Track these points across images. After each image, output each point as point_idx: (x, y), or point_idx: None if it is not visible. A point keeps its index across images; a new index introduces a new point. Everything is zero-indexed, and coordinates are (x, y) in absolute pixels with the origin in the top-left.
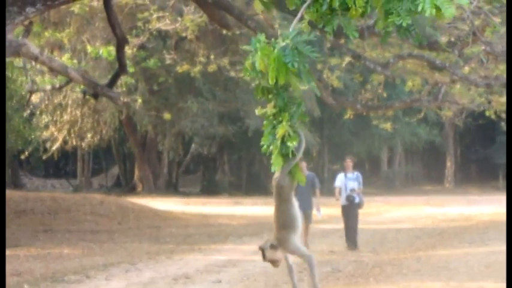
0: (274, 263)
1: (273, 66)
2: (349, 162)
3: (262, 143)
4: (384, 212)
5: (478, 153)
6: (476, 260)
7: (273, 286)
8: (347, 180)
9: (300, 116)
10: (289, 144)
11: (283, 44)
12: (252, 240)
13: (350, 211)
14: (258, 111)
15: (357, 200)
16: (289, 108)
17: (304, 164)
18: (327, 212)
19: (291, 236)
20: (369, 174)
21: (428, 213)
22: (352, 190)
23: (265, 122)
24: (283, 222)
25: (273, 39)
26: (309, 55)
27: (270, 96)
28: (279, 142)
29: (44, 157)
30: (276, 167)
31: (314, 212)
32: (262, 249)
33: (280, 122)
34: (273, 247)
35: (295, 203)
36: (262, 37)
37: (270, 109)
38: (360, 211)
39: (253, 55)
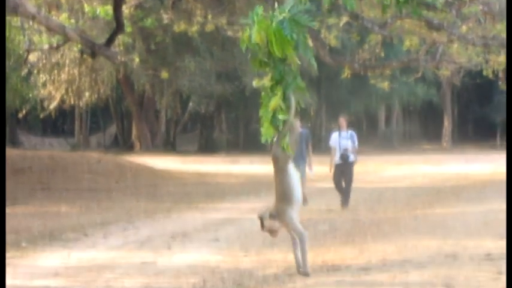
0: (273, 232)
1: (276, 40)
2: (342, 121)
3: (260, 114)
4: (381, 171)
5: (476, 112)
6: (473, 218)
7: (270, 244)
8: (341, 139)
9: (296, 88)
10: (280, 117)
11: (281, 17)
12: (250, 198)
13: (345, 169)
14: (255, 83)
15: (351, 159)
16: (286, 81)
17: (297, 123)
18: (324, 170)
19: (288, 208)
20: (367, 133)
21: (426, 172)
22: (345, 149)
23: (262, 94)
24: (281, 193)
25: (270, 13)
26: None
27: (267, 69)
28: (270, 114)
29: (42, 116)
30: (266, 137)
31: (306, 169)
32: (261, 218)
33: (276, 94)
34: (272, 216)
35: (293, 174)
36: (260, 10)
37: (267, 81)
38: (357, 170)
39: (250, 28)
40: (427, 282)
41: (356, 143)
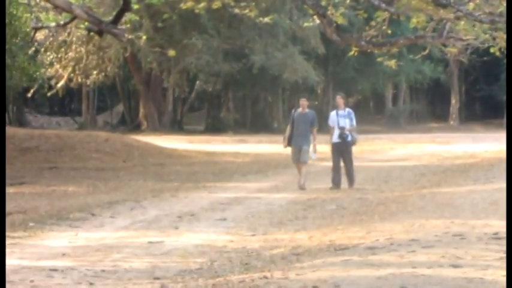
0: None
1: None
2: (339, 99)
3: None
4: (388, 150)
5: (483, 90)
6: (480, 197)
7: (277, 223)
8: (339, 118)
9: None
10: None
11: None
12: (257, 177)
13: (343, 148)
14: None
15: (349, 138)
16: None
17: (305, 103)
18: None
19: None
20: (374, 111)
21: (433, 151)
22: (343, 128)
23: None
24: None
25: None
26: None
27: None
28: None
29: (49, 94)
30: None
31: (310, 151)
32: None
33: None
34: None
35: None
36: None
37: None
38: (364, 149)
39: None
40: (435, 262)
41: (354, 121)
